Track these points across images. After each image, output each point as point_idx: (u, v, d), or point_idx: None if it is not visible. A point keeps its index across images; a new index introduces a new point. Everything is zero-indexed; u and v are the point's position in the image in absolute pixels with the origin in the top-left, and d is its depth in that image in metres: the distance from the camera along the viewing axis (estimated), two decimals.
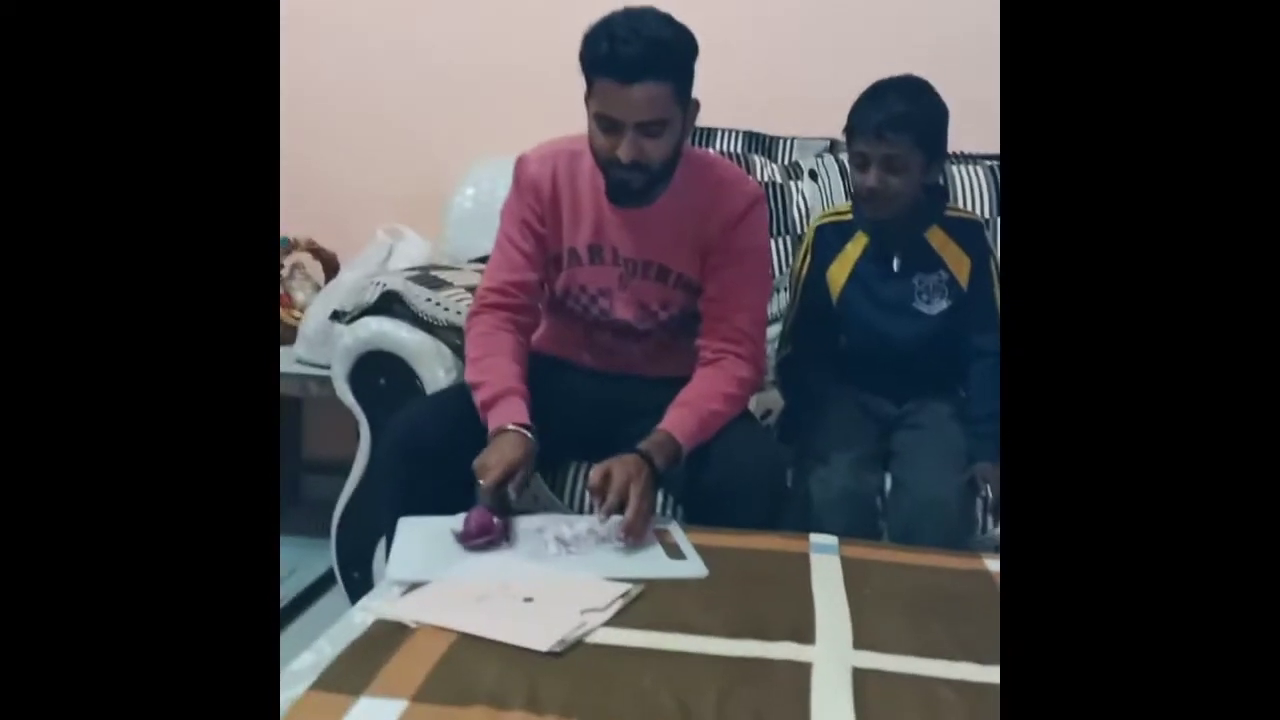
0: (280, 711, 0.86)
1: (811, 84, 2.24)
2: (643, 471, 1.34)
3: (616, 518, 1.29)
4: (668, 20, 1.41)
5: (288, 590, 2.07)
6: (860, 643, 1.04)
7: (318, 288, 2.36)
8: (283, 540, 1.94)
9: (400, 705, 0.89)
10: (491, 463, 1.34)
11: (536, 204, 1.57)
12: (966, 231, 1.69)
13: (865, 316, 1.71)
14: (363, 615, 1.08)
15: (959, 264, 1.68)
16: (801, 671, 0.98)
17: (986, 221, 1.91)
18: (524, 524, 1.34)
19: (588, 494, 1.40)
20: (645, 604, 1.12)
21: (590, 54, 1.40)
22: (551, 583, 1.16)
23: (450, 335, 1.77)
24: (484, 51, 2.43)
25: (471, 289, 1.74)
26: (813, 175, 2.13)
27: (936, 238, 1.68)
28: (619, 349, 1.65)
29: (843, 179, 2.08)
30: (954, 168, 2.03)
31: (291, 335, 2.24)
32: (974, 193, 2.03)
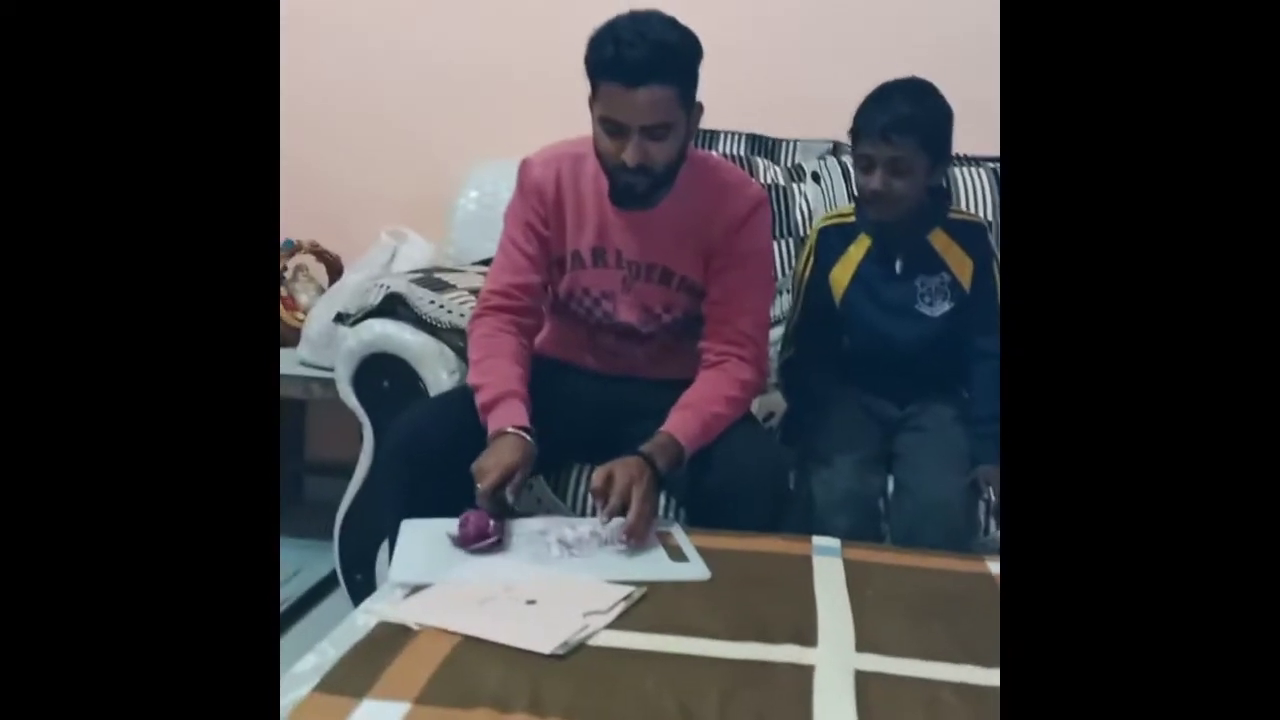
0: (282, 714, 0.86)
1: (814, 86, 2.24)
2: (645, 474, 1.34)
3: (619, 520, 1.29)
4: (673, 23, 1.41)
5: (291, 592, 2.07)
6: (863, 645, 1.04)
7: (321, 290, 2.36)
8: (286, 542, 1.96)
9: (403, 708, 0.89)
10: (489, 466, 1.34)
11: (540, 207, 1.57)
12: (969, 234, 1.69)
13: (868, 318, 1.71)
14: (365, 617, 1.08)
15: (962, 266, 1.67)
16: (804, 674, 0.98)
17: (989, 224, 1.91)
18: (526, 526, 1.34)
19: (590, 496, 1.40)
20: (648, 606, 1.12)
21: (595, 57, 1.40)
22: (554, 585, 1.16)
23: (454, 337, 1.77)
24: (486, 53, 2.43)
25: (475, 291, 1.74)
26: (815, 177, 2.13)
27: (939, 240, 1.68)
28: (622, 351, 1.65)
29: (845, 181, 2.08)
30: (957, 170, 2.03)
31: (295, 337, 2.24)
32: (977, 196, 2.03)
